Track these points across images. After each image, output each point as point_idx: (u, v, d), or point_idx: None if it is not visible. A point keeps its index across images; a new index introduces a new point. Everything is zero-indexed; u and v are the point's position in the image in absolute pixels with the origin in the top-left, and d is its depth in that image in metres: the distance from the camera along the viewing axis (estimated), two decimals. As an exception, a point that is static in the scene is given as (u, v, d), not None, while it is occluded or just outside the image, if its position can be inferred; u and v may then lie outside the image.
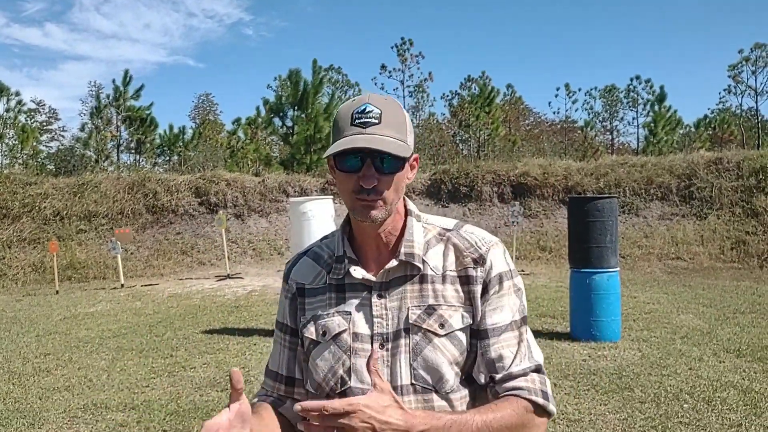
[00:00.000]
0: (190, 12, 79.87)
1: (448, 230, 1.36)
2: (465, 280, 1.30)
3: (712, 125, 33.67)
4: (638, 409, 4.64)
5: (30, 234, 15.17)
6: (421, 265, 1.29)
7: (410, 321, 1.26)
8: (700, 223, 14.69)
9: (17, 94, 28.06)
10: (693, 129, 34.40)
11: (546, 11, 74.04)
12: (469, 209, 16.62)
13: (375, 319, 1.28)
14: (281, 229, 16.29)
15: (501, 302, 1.30)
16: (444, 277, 1.30)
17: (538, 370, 1.28)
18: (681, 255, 13.69)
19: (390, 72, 29.85)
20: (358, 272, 1.29)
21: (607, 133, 35.24)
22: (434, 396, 1.25)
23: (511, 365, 1.26)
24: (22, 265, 14.36)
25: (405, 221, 1.35)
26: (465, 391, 1.28)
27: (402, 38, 30.13)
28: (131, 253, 15.00)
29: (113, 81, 27.27)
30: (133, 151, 29.35)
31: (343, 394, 1.26)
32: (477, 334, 1.29)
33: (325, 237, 1.46)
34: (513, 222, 13.48)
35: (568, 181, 16.46)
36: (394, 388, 1.23)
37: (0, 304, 11.20)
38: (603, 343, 6.60)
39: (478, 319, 1.29)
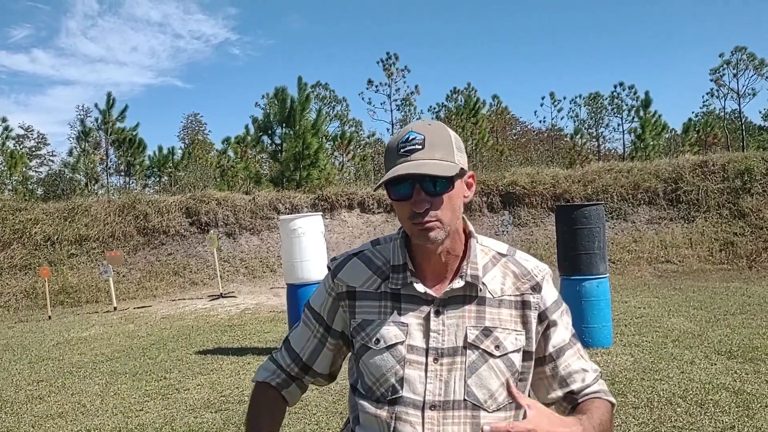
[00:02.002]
0: (177, 34, 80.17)
1: (504, 255, 1.40)
2: (521, 305, 1.35)
3: (697, 129, 34.01)
4: (632, 414, 4.66)
5: (21, 260, 15.09)
6: (481, 287, 1.34)
7: (468, 340, 1.30)
8: (688, 226, 14.81)
9: (4, 120, 28.01)
10: (679, 133, 34.71)
11: (529, 22, 74.76)
12: (460, 220, 16.67)
13: (432, 334, 1.31)
14: (273, 246, 16.28)
15: (558, 327, 1.39)
16: (501, 301, 1.34)
17: (600, 374, 1.45)
18: (670, 258, 13.79)
19: (377, 87, 30.01)
20: (420, 286, 1.33)
21: (593, 139, 35.50)
22: (482, 413, 1.29)
23: (586, 378, 1.41)
24: (13, 292, 14.26)
25: (467, 243, 1.39)
26: (512, 413, 1.33)
27: (387, 53, 30.39)
28: (123, 276, 14.95)
29: (96, 105, 27.22)
30: (122, 173, 29.28)
31: (394, 402, 1.31)
32: (541, 360, 1.40)
33: (377, 242, 1.46)
34: (503, 231, 13.55)
35: (556, 189, 16.58)
36: (446, 403, 1.29)
37: (-9, 332, 11.12)
38: (595, 350, 6.64)
39: (535, 345, 1.37)
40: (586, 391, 1.40)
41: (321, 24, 79.27)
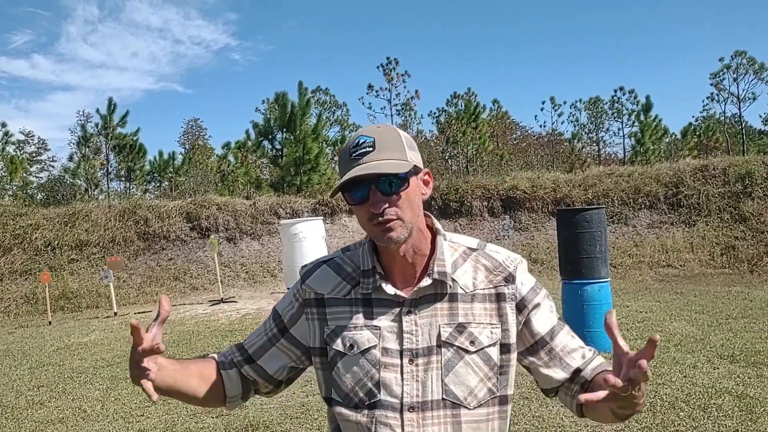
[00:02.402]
0: (177, 39, 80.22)
1: (474, 249, 1.40)
2: (496, 298, 1.34)
3: (697, 133, 34.03)
4: (634, 419, 4.65)
5: (21, 265, 15.08)
6: (451, 284, 1.33)
7: (442, 338, 1.30)
8: (689, 230, 14.80)
9: (4, 125, 28.08)
10: (679, 137, 34.72)
11: (529, 27, 74.95)
12: (460, 224, 16.68)
13: (405, 335, 1.30)
14: (273, 251, 16.27)
15: (542, 309, 1.37)
16: (473, 296, 1.33)
17: (596, 351, 1.44)
18: (671, 262, 13.78)
19: (377, 91, 30.02)
20: (389, 288, 1.32)
21: (594, 144, 35.53)
22: (463, 411, 1.28)
23: (585, 354, 1.39)
24: (14, 297, 14.25)
25: (434, 240, 1.38)
26: (495, 408, 1.32)
27: (387, 58, 30.32)
28: (123, 281, 14.94)
29: (97, 110, 27.21)
30: (123, 178, 29.30)
31: (373, 407, 1.30)
32: (534, 347, 1.37)
33: (347, 249, 1.47)
34: (504, 235, 13.55)
35: (557, 194, 16.58)
36: (424, 403, 1.28)
37: (-8, 337, 11.10)
38: (597, 354, 6.62)
39: (514, 336, 1.34)
40: (591, 365, 1.37)
41: (321, 29, 79.50)
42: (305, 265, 1.48)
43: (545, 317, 1.37)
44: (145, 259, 15.87)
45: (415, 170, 1.30)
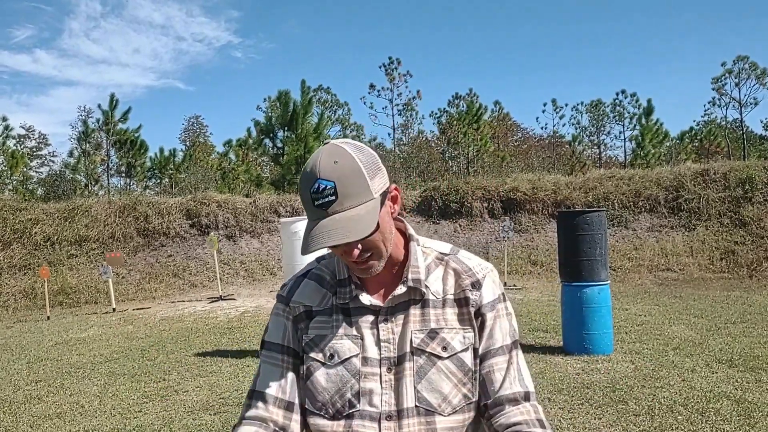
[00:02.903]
0: (179, 36, 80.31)
1: (446, 254, 1.38)
2: (463, 303, 1.32)
3: (699, 137, 34.06)
4: (632, 422, 4.64)
5: (20, 260, 15.08)
6: (424, 290, 1.31)
7: (414, 345, 1.28)
8: (688, 234, 14.80)
9: (4, 119, 28.11)
10: (678, 141, 34.76)
11: (531, 29, 74.96)
12: (460, 225, 16.67)
13: (382, 344, 1.29)
14: (273, 249, 16.27)
15: (493, 326, 1.34)
16: (444, 301, 1.32)
17: (528, 397, 1.30)
18: (671, 266, 13.77)
19: (378, 91, 30.07)
20: (365, 298, 1.31)
21: (595, 147, 35.55)
22: (437, 418, 1.26)
23: (500, 389, 1.29)
24: (12, 292, 14.24)
25: (407, 246, 1.36)
26: (471, 414, 1.30)
27: (390, 58, 30.41)
28: (123, 277, 14.93)
29: (99, 106, 27.28)
30: (123, 174, 29.31)
31: (351, 417, 1.27)
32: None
33: (322, 258, 1.43)
34: (504, 237, 13.54)
35: (557, 196, 16.58)
36: (400, 411, 1.26)
37: (-10, 331, 11.10)
38: (596, 357, 6.62)
39: (479, 340, 1.32)
40: (506, 420, 1.26)
41: (323, 28, 79.57)
42: (284, 285, 1.44)
43: (493, 336, 1.33)
44: (144, 256, 15.87)
45: (383, 197, 1.23)
